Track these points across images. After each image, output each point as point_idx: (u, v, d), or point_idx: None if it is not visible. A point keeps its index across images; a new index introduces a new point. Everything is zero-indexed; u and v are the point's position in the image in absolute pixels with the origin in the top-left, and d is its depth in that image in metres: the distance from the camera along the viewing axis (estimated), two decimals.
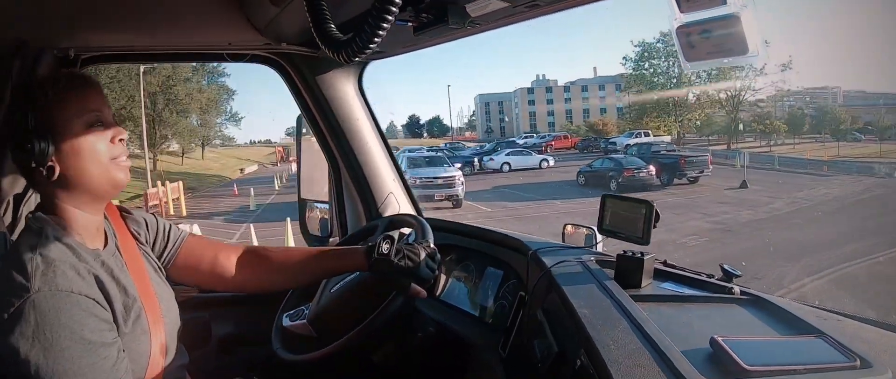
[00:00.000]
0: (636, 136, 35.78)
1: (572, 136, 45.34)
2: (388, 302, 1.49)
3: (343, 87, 2.18)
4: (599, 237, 1.73)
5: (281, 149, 47.08)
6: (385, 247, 1.47)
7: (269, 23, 1.66)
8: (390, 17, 0.99)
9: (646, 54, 40.54)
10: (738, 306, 1.36)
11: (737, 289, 1.40)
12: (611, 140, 37.62)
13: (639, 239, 1.49)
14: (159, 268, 1.37)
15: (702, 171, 23.20)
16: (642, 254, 1.45)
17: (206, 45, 2.02)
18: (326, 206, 2.51)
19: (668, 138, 36.66)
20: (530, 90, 57.14)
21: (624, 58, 40.61)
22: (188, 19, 1.70)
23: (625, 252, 1.48)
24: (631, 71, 41.61)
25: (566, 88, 56.25)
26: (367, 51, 1.05)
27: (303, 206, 2.64)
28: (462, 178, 20.91)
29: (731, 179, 22.21)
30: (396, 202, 2.31)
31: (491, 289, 1.88)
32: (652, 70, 40.44)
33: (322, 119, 2.23)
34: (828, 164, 26.75)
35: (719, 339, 1.03)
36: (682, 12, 1.20)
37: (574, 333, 1.19)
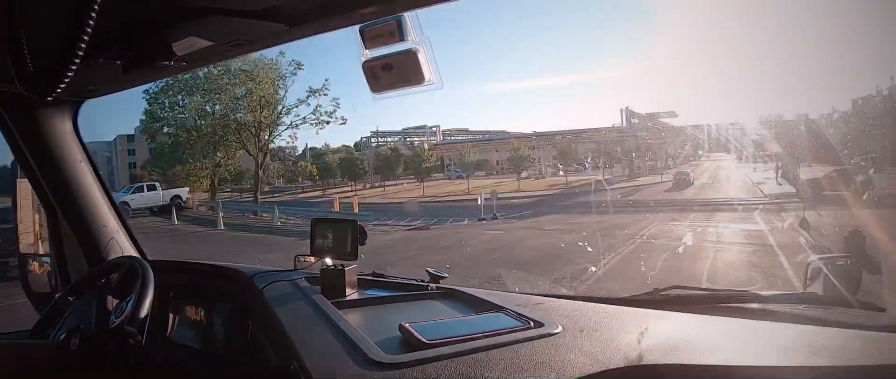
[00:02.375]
0: (137, 190, 27.65)
1: None
2: None
3: (58, 128, 2.02)
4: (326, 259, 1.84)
5: None
6: (74, 342, 1.42)
7: None
8: (79, 54, 0.99)
9: (164, 90, 29.11)
10: (433, 300, 1.61)
11: (433, 287, 1.66)
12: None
13: (347, 255, 1.67)
14: None
15: None
16: (343, 266, 1.63)
17: None
18: (49, 258, 2.28)
19: (185, 191, 28.13)
20: (130, 137, 42.50)
21: (145, 92, 28.71)
22: None
23: (327, 266, 1.65)
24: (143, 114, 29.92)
25: None
26: (59, 89, 1.04)
27: (23, 262, 2.36)
28: None
29: None
30: (119, 247, 2.20)
31: (222, 322, 1.91)
32: (162, 109, 29.34)
33: (37, 163, 2.04)
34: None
35: (407, 324, 1.23)
36: (367, 49, 1.39)
37: (283, 342, 1.31)
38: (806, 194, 16.72)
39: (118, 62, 1.44)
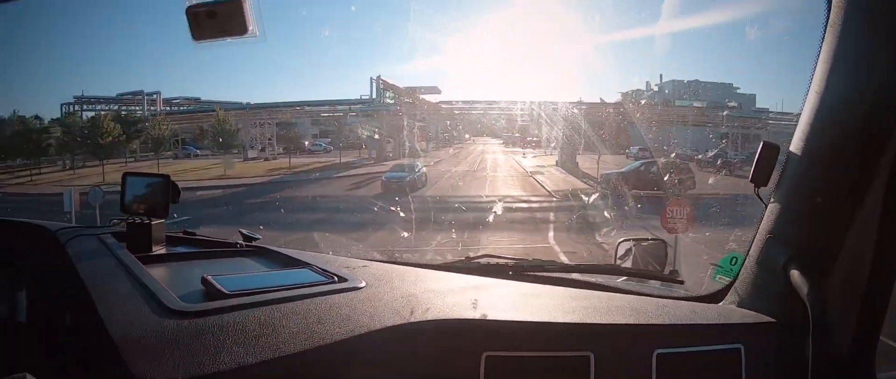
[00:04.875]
0: None
1: None
2: None
3: None
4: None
5: None
6: None
7: None
8: None
9: None
10: (241, 257, 1.64)
11: (242, 243, 1.67)
12: None
13: (154, 212, 1.64)
14: None
15: None
16: (150, 220, 1.60)
17: None
18: None
19: None
20: None
21: None
22: None
23: (134, 220, 1.61)
24: None
25: None
26: None
27: None
28: None
29: None
30: None
31: (7, 285, 1.70)
32: None
33: None
34: None
35: (209, 277, 1.24)
36: None
37: (78, 294, 1.25)
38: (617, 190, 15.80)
39: None
